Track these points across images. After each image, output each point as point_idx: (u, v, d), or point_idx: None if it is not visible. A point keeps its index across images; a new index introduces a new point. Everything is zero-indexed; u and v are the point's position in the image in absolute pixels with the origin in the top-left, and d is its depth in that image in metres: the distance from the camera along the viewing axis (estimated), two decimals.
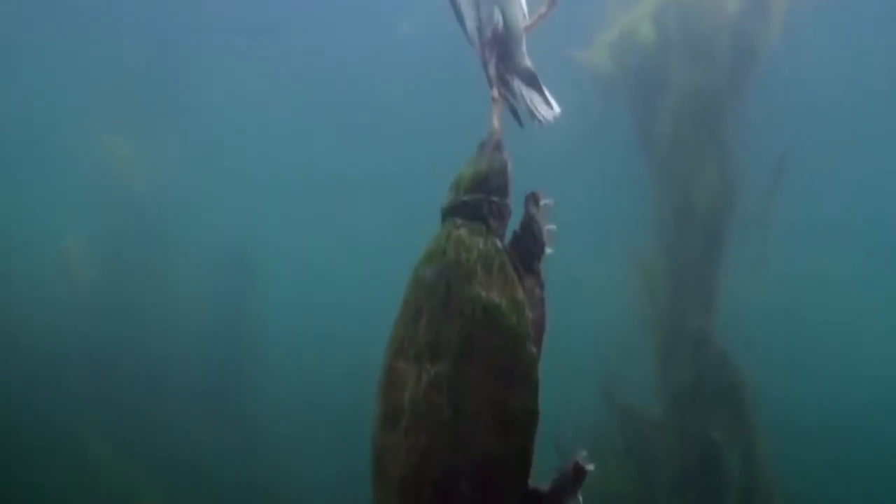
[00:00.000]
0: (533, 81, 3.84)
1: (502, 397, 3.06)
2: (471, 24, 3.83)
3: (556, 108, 3.81)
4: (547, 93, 3.85)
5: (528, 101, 3.81)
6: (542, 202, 3.48)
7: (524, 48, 3.87)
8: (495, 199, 3.36)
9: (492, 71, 3.75)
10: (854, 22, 14.93)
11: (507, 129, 3.67)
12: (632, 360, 11.40)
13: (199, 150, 19.31)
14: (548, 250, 3.41)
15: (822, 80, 15.50)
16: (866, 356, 18.28)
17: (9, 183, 18.67)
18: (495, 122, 3.57)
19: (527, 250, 3.38)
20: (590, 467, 3.15)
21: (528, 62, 3.86)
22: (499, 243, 3.30)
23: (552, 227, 3.46)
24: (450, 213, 3.36)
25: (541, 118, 3.79)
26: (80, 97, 18.27)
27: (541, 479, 3.10)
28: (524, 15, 3.86)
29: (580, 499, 3.13)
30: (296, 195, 20.20)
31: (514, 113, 3.85)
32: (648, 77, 11.98)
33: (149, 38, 18.27)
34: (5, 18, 17.96)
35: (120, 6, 17.85)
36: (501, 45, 3.78)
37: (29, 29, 18.16)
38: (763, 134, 11.87)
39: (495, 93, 3.68)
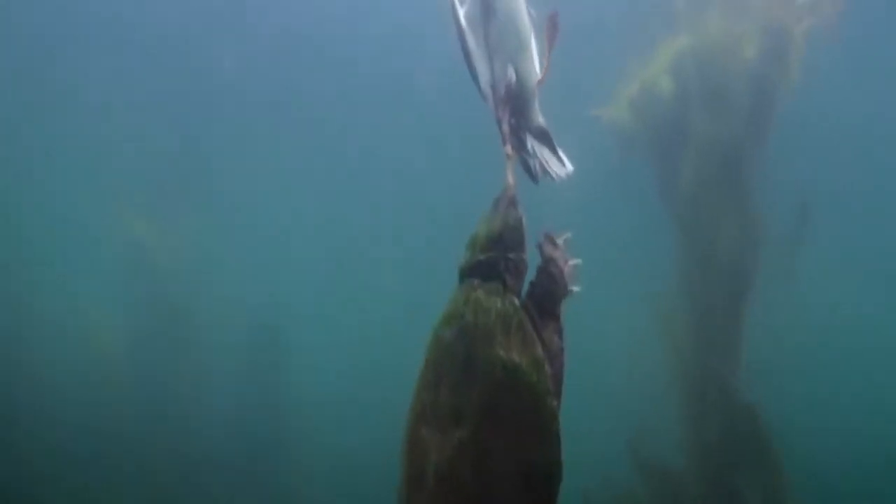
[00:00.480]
0: (545, 138, 3.89)
1: (525, 453, 3.07)
2: (484, 80, 3.87)
3: (569, 166, 3.88)
4: (559, 150, 3.90)
5: (541, 158, 3.85)
6: (560, 239, 3.52)
7: (537, 105, 3.91)
8: (511, 255, 3.37)
9: (505, 128, 3.77)
10: (872, 57, 14.87)
11: (527, 184, 3.67)
12: (658, 412, 11.27)
13: (224, 224, 19.51)
14: (573, 288, 3.43)
15: (844, 119, 15.40)
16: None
17: (40, 261, 18.97)
18: (509, 178, 3.60)
19: (547, 293, 3.40)
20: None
21: (540, 119, 3.90)
22: (516, 301, 3.31)
23: (576, 261, 3.49)
24: (466, 273, 3.37)
25: (553, 175, 3.86)
26: (106, 180, 18.58)
27: None
28: (537, 71, 3.88)
29: None
30: (320, 263, 20.28)
31: (528, 169, 3.88)
32: (669, 128, 11.96)
33: (169, 121, 18.47)
34: (38, 112, 18.33)
35: (140, 95, 18.11)
36: (514, 102, 3.81)
37: (60, 120, 18.46)
38: (786, 177, 11.79)
39: (509, 149, 3.71)
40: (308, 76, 18.11)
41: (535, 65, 3.86)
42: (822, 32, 11.91)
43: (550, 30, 3.83)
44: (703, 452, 10.74)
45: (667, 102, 12.07)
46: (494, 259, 3.35)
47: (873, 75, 15.24)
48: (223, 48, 17.52)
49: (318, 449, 17.07)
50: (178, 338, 17.23)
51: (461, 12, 3.89)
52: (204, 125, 18.64)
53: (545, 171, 3.86)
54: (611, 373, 12.88)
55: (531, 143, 3.86)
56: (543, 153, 3.87)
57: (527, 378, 3.12)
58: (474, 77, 3.90)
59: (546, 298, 3.37)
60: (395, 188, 19.15)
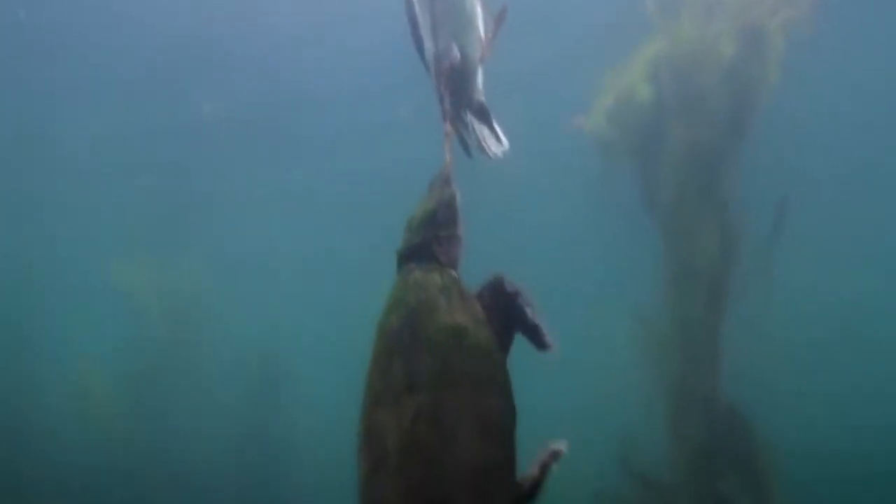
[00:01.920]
0: (484, 115, 3.94)
1: (482, 406, 3.13)
2: (429, 54, 3.90)
3: (506, 143, 3.93)
4: (497, 127, 3.94)
5: (479, 135, 3.85)
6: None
7: (479, 82, 3.94)
8: (443, 233, 3.43)
9: (446, 104, 3.79)
10: (854, 55, 14.88)
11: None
12: (646, 421, 11.21)
13: (219, 261, 19.67)
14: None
15: (825, 116, 15.42)
16: (877, 404, 18.08)
17: (40, 311, 19.34)
18: (446, 156, 3.59)
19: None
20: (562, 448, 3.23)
21: (481, 96, 3.94)
22: (453, 273, 3.39)
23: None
24: (403, 258, 3.44)
25: (489, 152, 3.90)
26: (99, 231, 18.89)
27: None
28: (481, 48, 3.90)
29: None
30: (317, 294, 20.38)
31: (465, 146, 3.93)
32: (648, 135, 11.91)
33: (157, 164, 18.57)
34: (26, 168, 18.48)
35: (126, 141, 18.19)
36: (456, 78, 3.82)
37: (47, 176, 18.68)
38: (766, 178, 11.75)
39: (448, 127, 3.71)
40: (295, 108, 18.16)
41: (479, 43, 3.88)
42: (798, 27, 11.89)
43: (499, 16, 3.89)
44: (690, 461, 10.66)
45: (645, 109, 12.01)
46: (427, 240, 3.41)
47: (850, 70, 15.24)
48: (205, 87, 17.56)
49: (317, 479, 17.07)
50: (178, 370, 17.45)
51: None
52: (191, 164, 18.70)
53: (481, 148, 3.90)
54: (597, 382, 12.82)
55: (470, 119, 3.89)
56: (482, 130, 3.90)
57: (473, 336, 3.20)
58: (420, 50, 3.94)
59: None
60: (389, 216, 19.16)
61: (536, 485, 3.19)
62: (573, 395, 15.42)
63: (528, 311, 3.34)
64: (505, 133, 3.94)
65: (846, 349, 18.30)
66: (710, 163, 11.39)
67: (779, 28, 11.80)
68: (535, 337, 3.34)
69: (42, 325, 19.19)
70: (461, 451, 3.08)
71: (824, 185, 15.92)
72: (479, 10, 3.89)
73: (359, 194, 19.14)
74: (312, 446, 17.63)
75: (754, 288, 11.15)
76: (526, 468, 3.22)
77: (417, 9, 3.91)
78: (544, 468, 3.22)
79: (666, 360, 10.97)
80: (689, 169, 11.45)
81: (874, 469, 16.45)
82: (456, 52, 3.79)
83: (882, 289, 18.08)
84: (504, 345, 3.31)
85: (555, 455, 3.24)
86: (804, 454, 12.48)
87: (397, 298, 3.34)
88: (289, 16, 16.25)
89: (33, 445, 16.22)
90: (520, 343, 3.36)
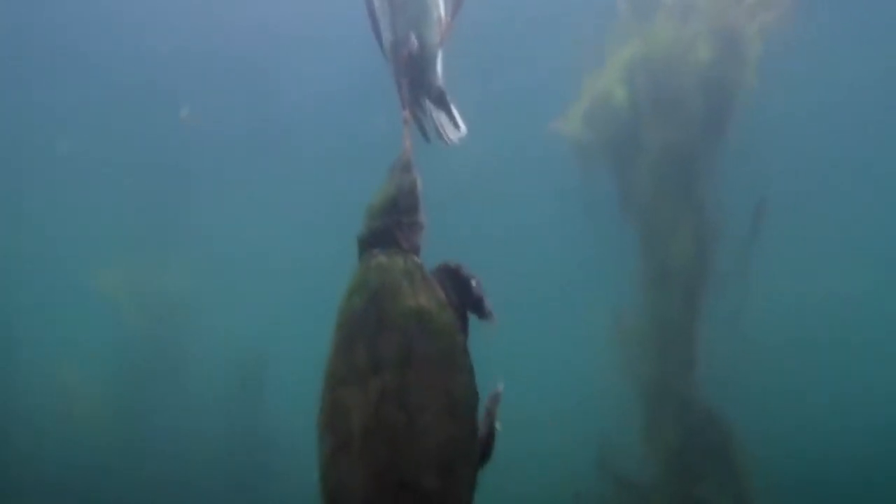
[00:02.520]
0: (442, 101, 3.97)
1: (445, 386, 3.19)
2: (386, 41, 3.91)
3: (463, 129, 3.98)
4: (455, 113, 3.98)
5: (437, 121, 3.88)
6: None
7: (438, 67, 3.97)
8: (405, 219, 3.47)
9: (404, 91, 3.80)
10: (833, 55, 14.93)
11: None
12: (624, 423, 11.21)
13: (206, 262, 19.75)
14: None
15: (803, 116, 15.46)
16: (856, 405, 18.17)
17: (28, 310, 19.40)
18: (405, 143, 3.61)
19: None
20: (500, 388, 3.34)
21: (439, 82, 3.97)
22: (416, 259, 3.42)
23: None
24: (365, 243, 3.47)
25: (446, 138, 3.94)
26: (87, 232, 18.96)
27: None
28: (440, 33, 3.92)
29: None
30: (303, 297, 20.40)
31: (424, 132, 3.97)
32: (624, 138, 11.90)
33: (144, 166, 18.62)
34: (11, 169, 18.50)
35: (111, 142, 18.24)
36: (415, 65, 3.84)
37: (35, 178, 18.76)
38: (744, 178, 11.76)
39: (407, 114, 3.72)
40: (281, 112, 18.18)
41: (437, 28, 3.89)
42: (775, 28, 11.90)
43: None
44: (667, 463, 10.65)
45: (621, 112, 12.01)
46: (388, 226, 3.45)
47: (829, 70, 15.30)
48: (190, 92, 17.59)
49: (303, 481, 17.01)
50: (163, 372, 17.61)
51: None
52: (184, 168, 18.76)
53: (439, 134, 3.93)
54: (576, 384, 12.81)
55: (428, 105, 3.93)
56: (440, 117, 3.94)
57: (436, 319, 3.26)
58: (377, 37, 3.95)
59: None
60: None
61: (488, 442, 3.27)
62: (552, 397, 15.48)
63: (472, 282, 3.39)
64: (463, 119, 3.96)
65: (824, 350, 18.37)
66: (686, 164, 11.40)
67: (756, 31, 11.82)
68: (479, 308, 3.38)
69: (27, 326, 19.14)
70: (428, 430, 3.13)
71: (802, 186, 15.97)
72: None
73: (343, 197, 19.10)
74: (297, 448, 17.58)
75: (731, 289, 11.16)
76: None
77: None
78: (490, 416, 3.29)
79: (643, 361, 10.97)
80: (664, 170, 11.45)
81: (853, 471, 16.51)
82: (413, 41, 3.80)
83: (860, 289, 18.17)
84: (463, 327, 3.36)
85: (495, 398, 3.33)
86: (782, 455, 12.51)
87: (360, 282, 3.36)
88: (265, 21, 16.30)
89: (19, 446, 16.22)
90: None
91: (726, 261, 11.12)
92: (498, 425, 3.31)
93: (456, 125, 3.96)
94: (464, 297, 3.39)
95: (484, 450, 3.25)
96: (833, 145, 16.39)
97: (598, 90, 12.32)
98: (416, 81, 3.86)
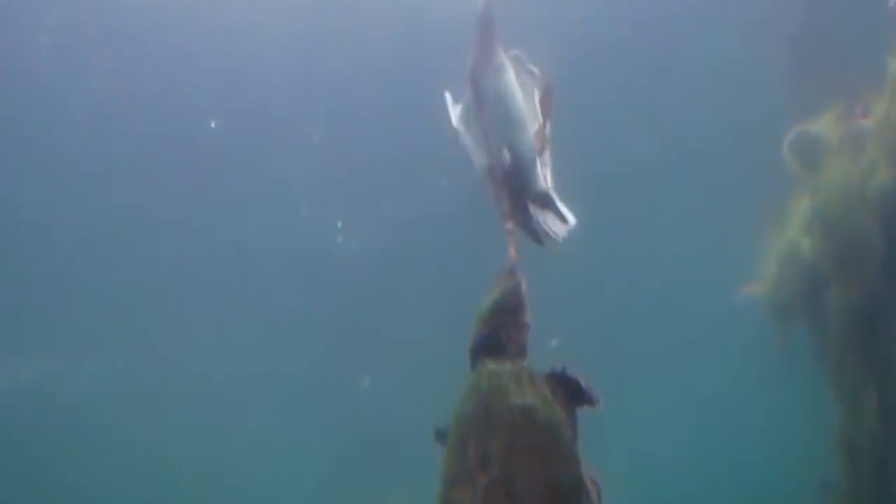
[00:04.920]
0: (547, 202, 4.08)
1: (550, 475, 3.36)
2: (481, 169, 4.07)
3: (571, 220, 4.07)
4: (561, 206, 4.08)
5: (543, 223, 4.01)
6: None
7: (538, 170, 4.08)
8: (510, 320, 3.72)
9: (504, 207, 3.98)
10: None
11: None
12: None
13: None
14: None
15: None
16: None
17: None
18: (511, 252, 3.84)
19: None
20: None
21: (541, 184, 4.07)
22: (523, 362, 3.67)
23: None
24: (475, 352, 3.71)
25: (555, 235, 4.04)
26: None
27: None
28: (538, 141, 4.04)
29: None
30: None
31: (535, 237, 4.07)
32: (814, 291, 11.63)
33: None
34: None
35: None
36: (513, 177, 4.00)
37: None
38: None
39: (510, 225, 3.93)
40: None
41: (531, 137, 4.01)
42: None
43: (545, 101, 4.04)
44: None
45: (808, 265, 11.75)
46: (496, 332, 3.69)
47: None
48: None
49: None
50: None
51: (454, 114, 4.15)
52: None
53: (547, 234, 4.03)
54: None
55: (533, 209, 4.03)
56: (546, 217, 4.04)
57: (541, 414, 3.45)
58: (474, 168, 4.10)
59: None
60: None
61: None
62: None
63: (580, 380, 3.60)
64: (570, 209, 4.05)
65: None
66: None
67: None
68: (587, 399, 3.59)
69: None
70: None
71: None
72: (524, 106, 4.01)
73: None
74: None
75: None
76: None
77: (464, 134, 4.09)
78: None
79: None
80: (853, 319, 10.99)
81: None
82: (506, 156, 3.95)
83: None
84: (572, 422, 3.55)
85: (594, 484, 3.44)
86: None
87: (472, 387, 3.59)
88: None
89: None
90: None
91: None
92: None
93: (563, 218, 4.06)
94: (571, 394, 3.57)
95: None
96: None
97: (784, 247, 12.20)
98: (517, 192, 3.98)
